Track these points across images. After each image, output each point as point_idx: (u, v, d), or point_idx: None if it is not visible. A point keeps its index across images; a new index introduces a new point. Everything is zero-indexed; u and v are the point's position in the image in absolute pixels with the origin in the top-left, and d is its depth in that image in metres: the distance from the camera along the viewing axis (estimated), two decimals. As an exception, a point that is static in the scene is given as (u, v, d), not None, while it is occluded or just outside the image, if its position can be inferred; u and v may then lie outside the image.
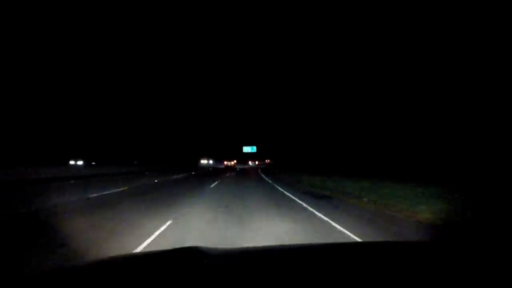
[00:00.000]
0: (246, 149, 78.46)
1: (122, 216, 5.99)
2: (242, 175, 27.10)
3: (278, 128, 75.28)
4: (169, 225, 5.22)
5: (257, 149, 79.22)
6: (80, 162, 42.70)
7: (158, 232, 4.67)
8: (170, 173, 27.62)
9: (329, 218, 5.99)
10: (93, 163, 43.89)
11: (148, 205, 7.54)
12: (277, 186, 14.43)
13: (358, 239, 4.40)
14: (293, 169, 33.31)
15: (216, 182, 16.54)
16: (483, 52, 15.51)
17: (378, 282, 0.87)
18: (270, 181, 18.15)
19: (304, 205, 8.06)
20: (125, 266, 1.08)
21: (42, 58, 32.55)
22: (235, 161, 74.47)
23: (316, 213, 6.74)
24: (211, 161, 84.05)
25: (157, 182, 16.54)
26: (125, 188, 12.29)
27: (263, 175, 25.81)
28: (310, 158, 41.30)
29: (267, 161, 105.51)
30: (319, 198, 9.81)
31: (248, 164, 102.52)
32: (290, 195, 10.46)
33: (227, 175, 26.18)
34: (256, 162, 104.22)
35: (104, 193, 10.27)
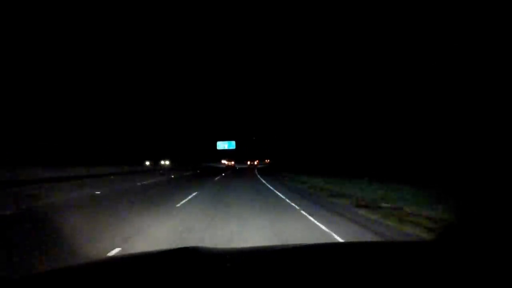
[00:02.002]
0: (221, 145, 57.03)
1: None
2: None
3: (268, 119, 62.63)
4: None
5: (236, 145, 57.48)
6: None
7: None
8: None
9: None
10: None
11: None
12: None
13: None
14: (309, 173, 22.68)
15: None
16: (482, 53, 15.46)
17: (376, 283, 0.88)
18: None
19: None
20: (124, 266, 1.10)
21: (43, 58, 30.41)
22: (233, 162, 66.25)
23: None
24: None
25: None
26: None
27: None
28: (313, 157, 35.42)
29: (267, 161, 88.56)
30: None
31: (245, 164, 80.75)
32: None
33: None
34: (255, 162, 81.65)
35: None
